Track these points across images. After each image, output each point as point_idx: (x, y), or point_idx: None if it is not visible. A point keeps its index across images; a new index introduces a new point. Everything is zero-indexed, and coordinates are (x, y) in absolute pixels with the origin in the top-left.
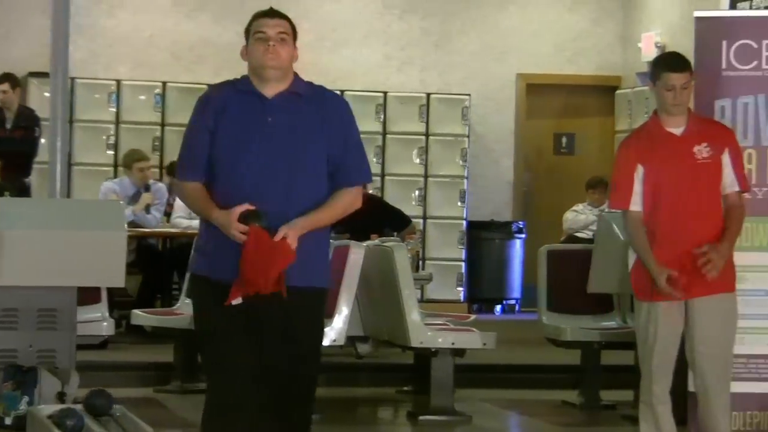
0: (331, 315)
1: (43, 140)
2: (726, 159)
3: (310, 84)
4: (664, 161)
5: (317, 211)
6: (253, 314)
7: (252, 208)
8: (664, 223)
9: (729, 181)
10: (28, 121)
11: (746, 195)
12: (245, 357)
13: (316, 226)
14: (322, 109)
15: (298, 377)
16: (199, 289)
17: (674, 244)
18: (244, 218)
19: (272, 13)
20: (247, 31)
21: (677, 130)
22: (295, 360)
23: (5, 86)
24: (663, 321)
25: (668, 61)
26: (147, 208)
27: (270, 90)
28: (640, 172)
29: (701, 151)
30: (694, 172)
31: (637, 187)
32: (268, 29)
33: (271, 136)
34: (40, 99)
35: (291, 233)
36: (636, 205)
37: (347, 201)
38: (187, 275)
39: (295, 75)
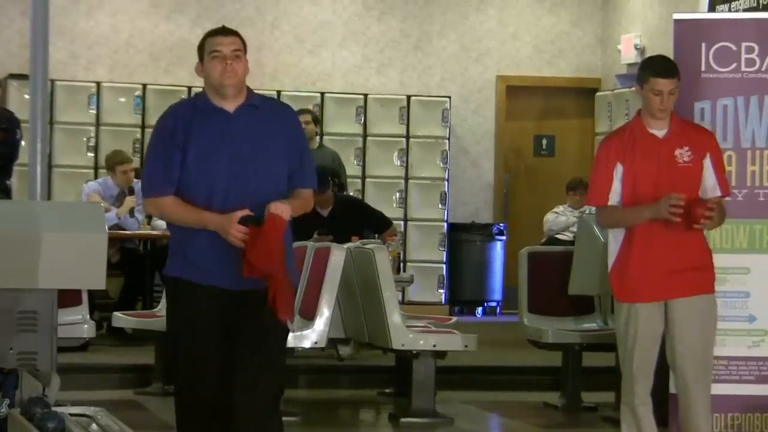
0: (312, 317)
1: (23, 142)
2: (708, 163)
3: (261, 96)
4: (644, 161)
5: (292, 199)
6: (228, 313)
7: (251, 213)
8: (643, 224)
9: (710, 186)
10: (8, 123)
11: (726, 198)
12: (217, 361)
13: (295, 209)
14: (279, 121)
15: (267, 371)
16: (181, 293)
17: (652, 245)
18: (243, 222)
19: (225, 31)
20: (201, 48)
21: (660, 132)
22: (264, 353)
23: None
24: (643, 322)
25: (657, 66)
26: (131, 211)
27: (230, 104)
28: (619, 170)
29: (682, 154)
30: (673, 175)
31: (617, 186)
32: (223, 48)
33: (240, 146)
34: (19, 101)
35: (279, 205)
36: (614, 203)
37: (306, 199)
38: None
39: (248, 88)
